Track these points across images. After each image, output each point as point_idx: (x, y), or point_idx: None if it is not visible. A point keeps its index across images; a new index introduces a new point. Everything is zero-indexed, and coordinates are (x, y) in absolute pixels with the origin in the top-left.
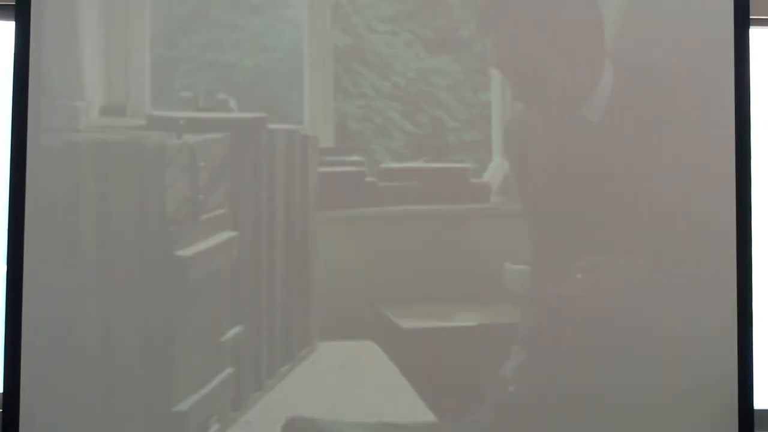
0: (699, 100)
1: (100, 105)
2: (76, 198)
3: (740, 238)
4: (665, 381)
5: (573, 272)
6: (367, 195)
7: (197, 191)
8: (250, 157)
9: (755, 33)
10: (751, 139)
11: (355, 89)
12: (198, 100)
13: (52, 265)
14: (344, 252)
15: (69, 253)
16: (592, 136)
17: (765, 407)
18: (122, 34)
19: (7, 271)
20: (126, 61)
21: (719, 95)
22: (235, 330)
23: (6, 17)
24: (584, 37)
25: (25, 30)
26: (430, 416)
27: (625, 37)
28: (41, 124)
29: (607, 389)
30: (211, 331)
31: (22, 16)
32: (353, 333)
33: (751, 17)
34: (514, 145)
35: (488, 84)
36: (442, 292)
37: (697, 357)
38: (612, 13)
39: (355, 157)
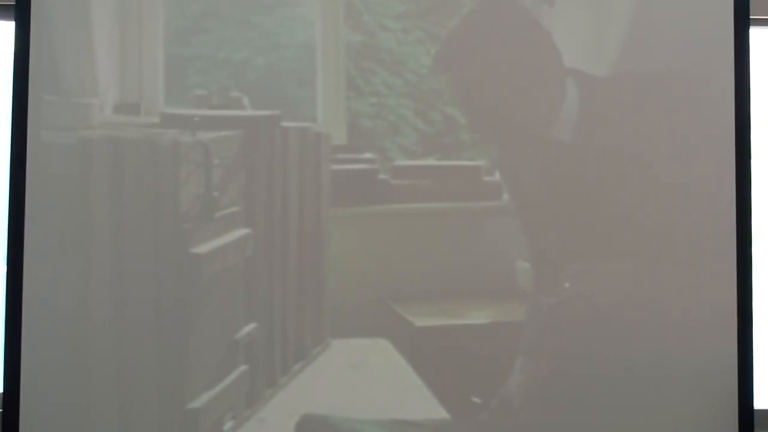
0: (699, 100)
1: (113, 103)
2: (90, 195)
3: (740, 238)
4: (665, 381)
5: (561, 281)
6: (380, 192)
7: (211, 189)
8: (263, 154)
9: (755, 33)
10: (751, 139)
11: (367, 87)
12: (211, 98)
13: (63, 263)
14: (357, 249)
15: (81, 251)
16: (592, 137)
17: (765, 407)
18: (135, 32)
19: (8, 271)
20: (139, 59)
21: (719, 95)
22: (249, 327)
23: (6, 17)
24: (539, 63)
25: (25, 30)
26: (442, 413)
27: (626, 38)
28: (54, 121)
29: (607, 389)
30: (224, 328)
31: (22, 16)
32: (366, 330)
33: (751, 17)
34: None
35: None
36: (455, 289)
37: (697, 357)
38: (612, 15)
39: (368, 155)
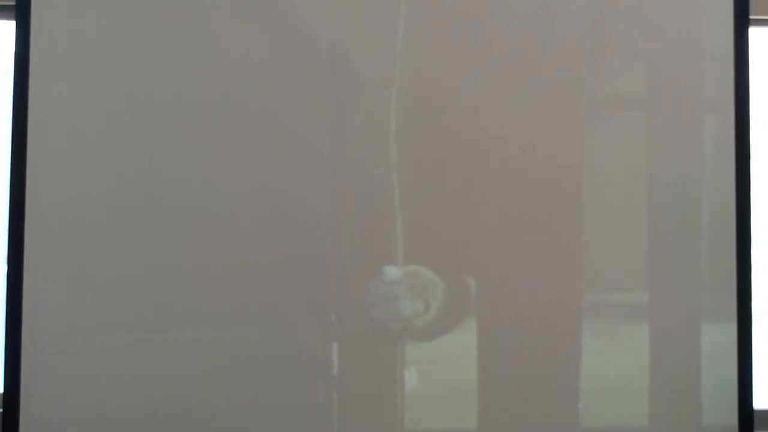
0: (699, 99)
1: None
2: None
3: (740, 238)
4: (664, 381)
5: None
6: None
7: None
8: None
9: (755, 33)
10: (751, 139)
11: None
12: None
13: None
14: None
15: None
16: (590, 136)
17: (765, 407)
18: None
19: (8, 271)
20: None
21: (719, 95)
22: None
23: (6, 17)
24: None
25: (25, 30)
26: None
27: (626, 36)
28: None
29: (606, 389)
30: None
31: (22, 16)
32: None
33: (751, 17)
34: None
35: None
36: None
37: (697, 357)
38: (611, 15)
39: None
